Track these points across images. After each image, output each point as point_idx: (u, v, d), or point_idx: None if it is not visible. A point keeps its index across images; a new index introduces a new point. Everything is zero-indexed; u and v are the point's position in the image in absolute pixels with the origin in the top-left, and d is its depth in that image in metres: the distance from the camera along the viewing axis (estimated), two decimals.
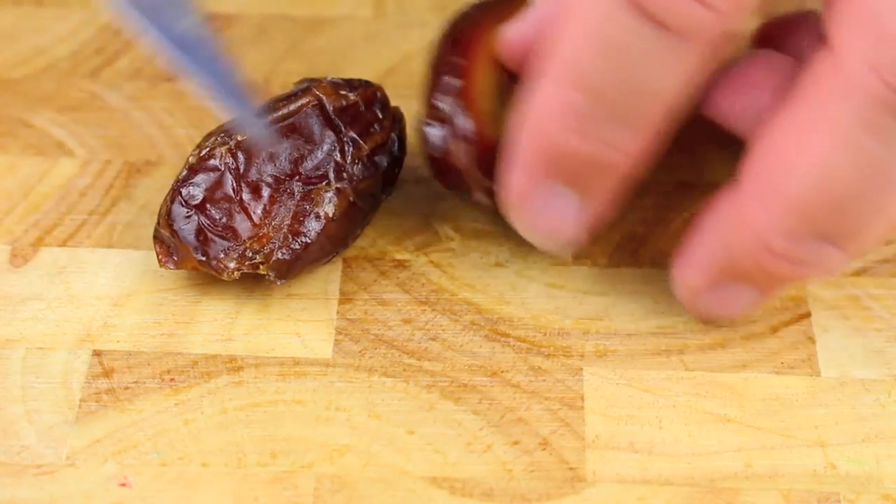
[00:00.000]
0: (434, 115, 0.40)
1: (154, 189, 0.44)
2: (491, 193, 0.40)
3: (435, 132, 0.40)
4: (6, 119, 0.46)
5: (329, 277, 0.42)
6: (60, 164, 0.44)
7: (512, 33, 0.41)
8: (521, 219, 0.39)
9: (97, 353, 0.40)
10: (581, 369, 0.40)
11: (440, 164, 0.40)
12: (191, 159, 0.41)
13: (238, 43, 0.49)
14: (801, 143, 0.35)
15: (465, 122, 0.40)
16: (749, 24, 0.41)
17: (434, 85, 0.41)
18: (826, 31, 0.36)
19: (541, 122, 0.36)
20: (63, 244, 0.42)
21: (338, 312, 0.41)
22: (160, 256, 0.40)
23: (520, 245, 0.43)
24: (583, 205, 0.38)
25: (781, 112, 0.36)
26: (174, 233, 0.40)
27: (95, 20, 0.49)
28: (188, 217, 0.40)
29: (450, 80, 0.40)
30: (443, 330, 0.40)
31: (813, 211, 0.36)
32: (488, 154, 0.39)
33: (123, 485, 0.37)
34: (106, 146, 0.45)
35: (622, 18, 0.34)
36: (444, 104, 0.40)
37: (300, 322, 0.41)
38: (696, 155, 0.45)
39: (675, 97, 0.36)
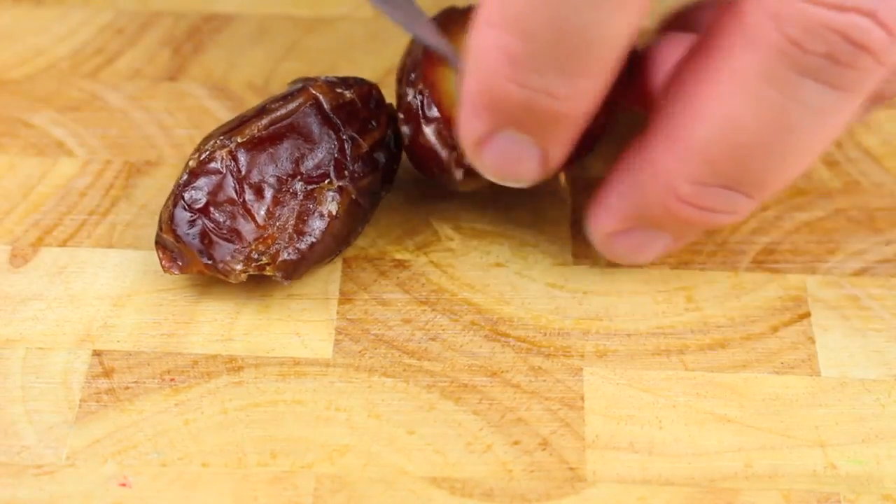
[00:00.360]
0: (403, 107, 0.41)
1: (154, 189, 0.44)
2: (470, 171, 0.40)
3: (405, 125, 0.41)
4: (6, 119, 0.46)
5: (329, 277, 0.42)
6: (60, 164, 0.44)
7: None
8: (483, 166, 0.38)
9: (97, 353, 0.40)
10: (581, 369, 0.40)
11: (415, 152, 0.41)
12: (191, 163, 0.40)
13: (238, 43, 0.49)
14: (705, 92, 0.36)
15: (429, 106, 0.40)
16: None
17: (401, 81, 0.41)
18: None
19: (479, 68, 0.35)
20: (63, 244, 0.42)
21: (338, 312, 0.41)
22: (164, 262, 0.40)
23: (520, 245, 0.43)
24: (540, 149, 0.37)
25: (688, 62, 0.37)
26: (178, 238, 0.40)
27: (95, 20, 0.49)
28: (192, 221, 0.40)
29: (413, 73, 0.41)
30: (443, 330, 0.40)
31: (717, 159, 0.36)
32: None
33: (123, 485, 0.37)
34: (106, 146, 0.45)
35: None
36: (410, 95, 0.40)
37: (300, 322, 0.41)
38: None
39: (615, 42, 0.35)
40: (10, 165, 0.44)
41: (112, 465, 0.37)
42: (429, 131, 0.40)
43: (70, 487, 0.37)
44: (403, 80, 0.41)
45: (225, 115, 0.45)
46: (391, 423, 0.38)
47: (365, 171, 0.41)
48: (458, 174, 0.40)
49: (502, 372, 0.39)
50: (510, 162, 0.38)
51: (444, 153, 0.40)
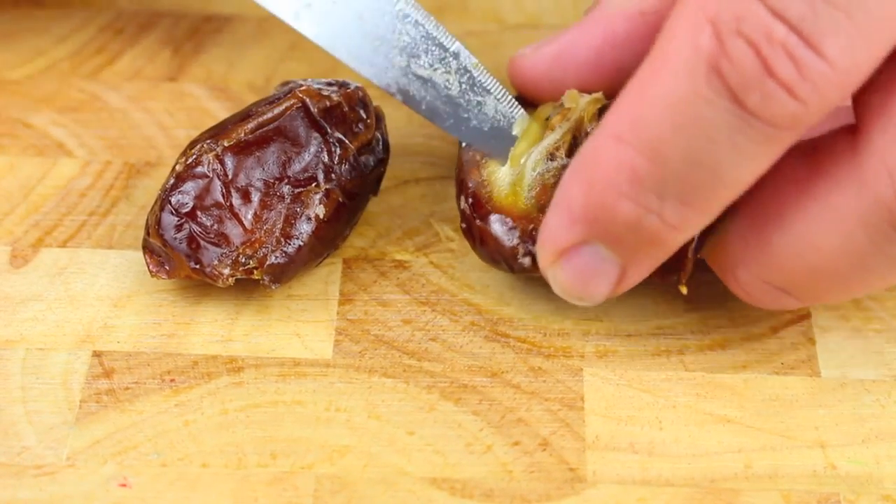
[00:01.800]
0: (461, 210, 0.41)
1: (154, 189, 0.44)
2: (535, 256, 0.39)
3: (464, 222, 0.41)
4: (6, 119, 0.46)
5: (329, 278, 0.42)
6: (60, 164, 0.44)
7: (527, 62, 0.41)
8: (555, 276, 0.37)
9: (97, 354, 0.40)
10: (581, 370, 0.40)
11: (477, 241, 0.40)
12: (177, 167, 0.40)
13: (238, 43, 0.49)
14: (801, 209, 0.36)
15: (478, 207, 0.40)
16: None
17: (459, 191, 0.41)
18: (856, 110, 0.35)
19: (595, 179, 0.35)
20: (63, 245, 0.42)
21: (338, 313, 0.41)
22: (151, 267, 0.40)
23: None
24: (622, 270, 0.36)
25: (789, 170, 0.36)
26: (165, 242, 0.40)
27: (95, 20, 0.49)
28: (179, 226, 0.40)
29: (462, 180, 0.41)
30: (443, 331, 0.40)
31: (788, 270, 0.36)
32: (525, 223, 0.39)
33: (123, 485, 0.37)
34: (106, 146, 0.45)
35: (708, 95, 0.33)
36: (462, 202, 0.40)
37: (300, 323, 0.41)
38: None
39: (743, 185, 0.34)
40: (10, 166, 0.44)
41: (112, 465, 0.37)
42: (488, 226, 0.40)
43: (70, 488, 0.37)
44: (458, 187, 0.41)
45: (225, 115, 0.45)
46: (391, 423, 0.38)
47: (352, 173, 0.41)
48: (526, 261, 0.39)
49: (502, 372, 0.39)
50: (586, 276, 0.36)
51: (508, 242, 0.39)
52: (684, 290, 0.39)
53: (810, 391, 0.39)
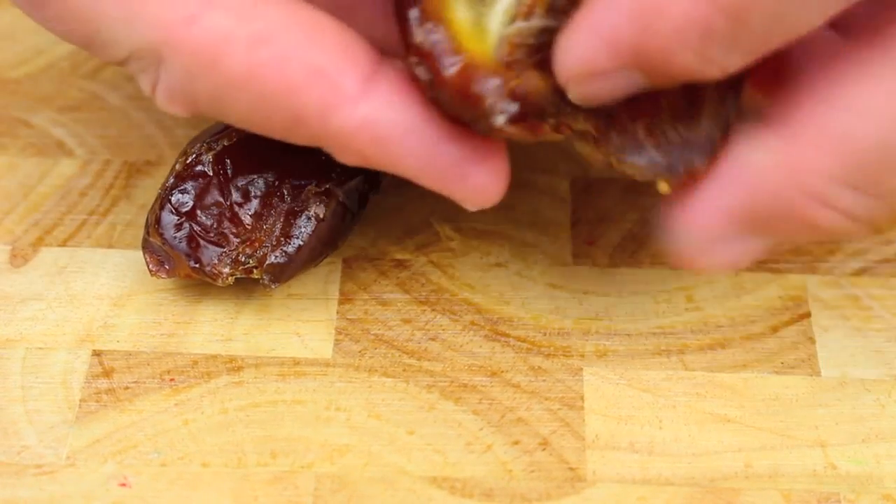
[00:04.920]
0: (412, 49, 0.35)
1: (154, 189, 0.44)
2: (515, 117, 0.35)
3: (420, 67, 0.35)
4: (6, 119, 0.46)
5: (329, 277, 0.42)
6: (60, 164, 0.44)
7: None
8: (579, 87, 0.34)
9: (97, 353, 0.40)
10: (581, 369, 0.40)
11: (442, 95, 0.35)
12: (177, 166, 0.40)
13: None
14: (868, 85, 0.33)
15: (447, 45, 0.35)
16: None
17: (400, 17, 0.36)
18: None
19: (656, 27, 0.32)
20: (63, 244, 0.42)
21: (338, 312, 0.41)
22: (151, 266, 0.40)
23: (520, 245, 0.43)
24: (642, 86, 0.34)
25: (842, 53, 0.34)
26: (165, 241, 0.40)
27: None
28: (179, 225, 0.40)
29: (414, 7, 0.35)
30: (443, 330, 0.40)
31: (867, 157, 0.33)
32: (480, 73, 0.35)
33: (123, 485, 0.37)
34: (106, 146, 0.45)
35: None
36: (418, 35, 0.35)
37: (300, 322, 0.41)
38: None
39: (806, 32, 0.33)
40: (10, 165, 0.44)
41: (112, 465, 0.37)
42: (454, 72, 0.35)
43: (70, 487, 0.37)
44: (402, 13, 0.36)
45: None
46: (391, 423, 0.38)
47: (352, 173, 0.41)
48: (500, 119, 0.35)
49: (502, 372, 0.39)
50: (611, 93, 0.34)
51: (484, 95, 0.35)
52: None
53: (810, 390, 0.39)
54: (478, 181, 0.36)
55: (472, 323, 0.41)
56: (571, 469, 0.37)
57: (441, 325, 0.41)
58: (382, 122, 0.35)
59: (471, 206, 0.36)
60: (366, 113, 0.34)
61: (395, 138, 0.35)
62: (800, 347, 0.40)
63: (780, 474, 0.37)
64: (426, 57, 0.35)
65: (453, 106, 0.35)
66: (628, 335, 0.40)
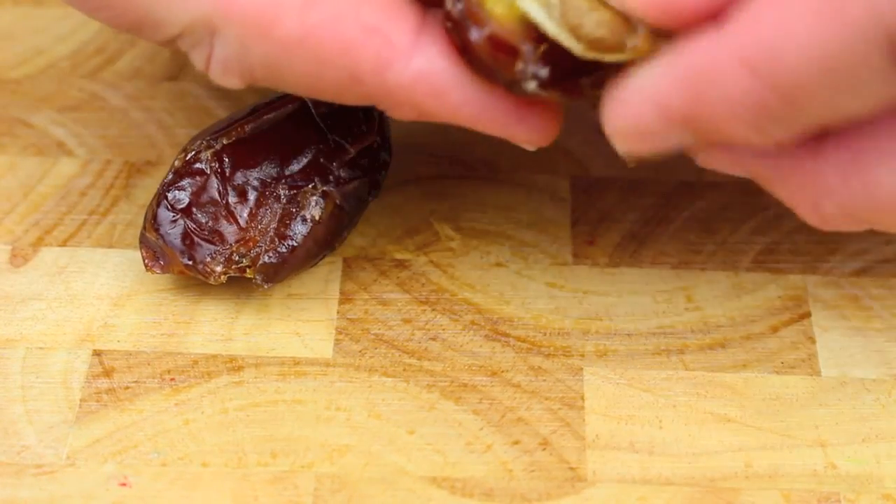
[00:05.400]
0: (449, 18, 0.36)
1: (154, 188, 0.44)
2: (546, 82, 0.35)
3: (455, 38, 0.36)
4: (6, 119, 0.46)
5: (329, 277, 0.42)
6: (60, 164, 0.44)
7: None
8: (622, 139, 0.35)
9: (97, 353, 0.40)
10: (581, 369, 0.40)
11: (473, 57, 0.36)
12: (176, 163, 0.41)
13: None
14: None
15: (475, 27, 0.35)
16: None
17: None
18: None
19: (708, 97, 0.32)
20: (63, 244, 0.42)
21: (338, 312, 0.41)
22: (146, 261, 0.40)
23: (520, 245, 0.43)
24: (692, 147, 0.35)
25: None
26: (160, 237, 0.40)
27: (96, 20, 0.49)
28: (174, 221, 0.40)
29: None
30: (443, 330, 0.40)
31: (884, 207, 0.34)
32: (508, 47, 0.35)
33: (123, 485, 0.37)
34: (106, 146, 0.45)
35: (879, 64, 0.31)
36: (450, 4, 0.35)
37: (300, 322, 0.41)
38: None
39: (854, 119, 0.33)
40: (10, 165, 0.44)
41: (112, 465, 0.37)
42: (481, 39, 0.35)
43: (70, 487, 0.37)
44: None
45: (225, 115, 0.45)
46: (391, 422, 0.38)
47: (351, 176, 0.41)
48: (531, 85, 0.35)
49: (502, 372, 0.39)
50: (654, 146, 0.34)
51: (513, 62, 0.35)
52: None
53: (810, 390, 0.39)
54: (536, 122, 0.36)
55: (473, 323, 0.41)
56: (571, 469, 0.37)
57: (441, 325, 0.41)
58: (437, 73, 0.36)
59: (530, 145, 0.37)
60: (420, 65, 0.35)
61: (451, 88, 0.36)
62: (800, 347, 0.40)
63: (780, 474, 0.37)
64: (457, 24, 0.35)
65: (486, 72, 0.35)
66: (628, 335, 0.40)
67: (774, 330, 0.41)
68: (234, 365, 0.39)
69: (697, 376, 0.39)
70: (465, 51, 0.36)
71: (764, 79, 0.32)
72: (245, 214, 0.40)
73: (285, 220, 0.40)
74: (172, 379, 0.39)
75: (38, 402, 0.38)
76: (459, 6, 0.35)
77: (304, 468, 0.37)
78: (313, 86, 0.36)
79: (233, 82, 0.37)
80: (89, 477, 0.37)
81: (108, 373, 0.39)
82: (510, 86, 0.36)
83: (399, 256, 0.42)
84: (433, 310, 0.41)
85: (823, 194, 0.35)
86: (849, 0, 0.31)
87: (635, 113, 0.34)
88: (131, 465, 0.37)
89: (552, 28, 0.34)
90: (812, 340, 0.40)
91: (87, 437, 0.38)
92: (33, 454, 0.37)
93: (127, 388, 0.39)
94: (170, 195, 0.40)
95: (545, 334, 0.40)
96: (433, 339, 0.40)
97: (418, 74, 0.35)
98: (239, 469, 0.37)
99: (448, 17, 0.35)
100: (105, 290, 0.41)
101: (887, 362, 0.40)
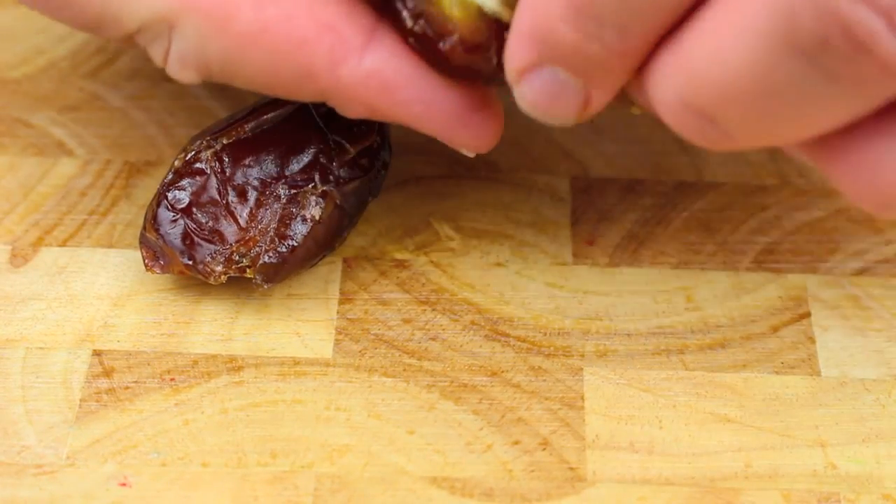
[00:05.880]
0: (411, 35, 0.36)
1: (154, 188, 0.44)
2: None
3: (422, 50, 0.37)
4: (6, 119, 0.46)
5: (329, 277, 0.42)
6: (60, 164, 0.44)
7: None
8: (521, 96, 0.36)
9: (97, 353, 0.40)
10: (581, 369, 0.40)
11: (448, 69, 0.37)
12: (176, 163, 0.41)
13: None
14: (708, 11, 0.33)
15: (439, 31, 0.36)
16: None
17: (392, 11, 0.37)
18: None
19: (536, 3, 0.34)
20: (63, 244, 0.42)
21: (338, 312, 0.41)
22: (146, 261, 0.40)
23: (520, 245, 0.43)
24: (583, 92, 0.35)
25: None
26: (160, 237, 0.40)
27: None
28: (174, 221, 0.40)
29: None
30: (443, 330, 0.40)
31: (696, 83, 0.33)
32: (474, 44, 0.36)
33: (123, 485, 0.37)
34: (106, 146, 0.45)
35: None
36: (409, 22, 0.36)
37: (300, 322, 0.41)
38: (696, 155, 0.45)
39: (669, 17, 0.33)
40: (10, 165, 0.44)
41: (112, 465, 0.37)
42: (450, 48, 0.36)
43: (70, 487, 0.37)
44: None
45: (225, 114, 0.45)
46: (391, 422, 0.38)
47: (351, 176, 0.41)
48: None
49: (502, 372, 0.39)
50: (549, 98, 0.35)
51: (487, 64, 0.36)
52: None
53: (810, 390, 0.39)
54: (478, 127, 0.38)
55: (473, 323, 0.41)
56: (571, 469, 0.37)
57: (441, 325, 0.41)
58: (388, 70, 0.37)
59: (470, 151, 0.39)
60: (372, 62, 0.37)
61: (401, 86, 0.37)
62: (800, 347, 0.40)
63: (780, 474, 0.37)
64: (422, 38, 0.36)
65: (466, 76, 0.37)
66: (628, 335, 0.40)
67: (774, 330, 0.41)
68: (234, 365, 0.39)
69: (697, 376, 0.39)
70: (438, 63, 0.36)
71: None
72: (245, 214, 0.40)
73: (285, 219, 0.40)
74: (172, 379, 0.39)
75: (38, 402, 0.38)
76: (421, 21, 0.36)
77: (304, 468, 0.37)
78: (268, 81, 0.37)
79: (190, 76, 0.38)
80: (89, 477, 0.37)
81: (108, 373, 0.39)
82: (493, 83, 0.37)
83: (399, 256, 0.42)
84: (433, 310, 0.41)
85: (650, 76, 0.34)
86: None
87: (511, 50, 0.35)
88: (131, 465, 0.37)
89: (507, 14, 0.35)
90: (812, 340, 0.40)
91: (87, 437, 0.38)
92: (33, 454, 0.37)
93: (127, 388, 0.39)
94: (170, 195, 0.40)
95: (545, 334, 0.40)
96: (433, 339, 0.40)
97: (370, 71, 0.37)
98: (239, 469, 0.37)
99: (410, 34, 0.36)
100: (105, 290, 0.41)
101: (887, 362, 0.40)
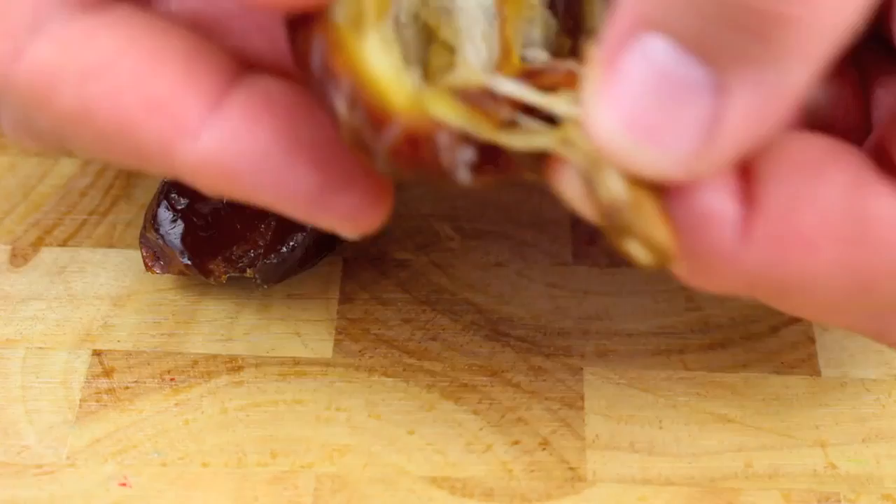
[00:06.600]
0: (342, 128, 0.30)
1: (154, 189, 0.44)
2: (480, 167, 0.30)
3: (358, 146, 0.30)
4: None
5: (329, 277, 0.42)
6: (60, 163, 0.44)
7: None
8: (603, 112, 0.25)
9: (97, 353, 0.40)
10: (581, 369, 0.40)
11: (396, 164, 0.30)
12: None
13: None
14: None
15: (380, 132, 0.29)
16: None
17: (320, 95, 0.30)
18: None
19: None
20: (63, 244, 0.42)
21: (338, 312, 0.41)
22: (146, 261, 0.40)
23: (520, 245, 0.43)
24: (720, 91, 0.24)
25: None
26: (160, 237, 0.40)
27: None
28: (174, 221, 0.40)
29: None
30: (443, 330, 0.40)
31: None
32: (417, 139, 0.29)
33: (123, 485, 0.37)
34: None
35: None
36: (342, 110, 0.29)
37: (300, 322, 0.41)
38: None
39: None
40: (10, 165, 0.44)
41: (112, 464, 0.37)
42: (391, 145, 0.29)
43: (70, 487, 0.37)
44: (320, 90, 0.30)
45: None
46: (391, 422, 0.38)
47: None
48: (463, 173, 0.30)
49: (502, 372, 0.39)
50: (657, 97, 0.24)
51: (436, 156, 0.29)
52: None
53: (810, 390, 0.39)
54: (342, 210, 0.31)
55: (473, 323, 0.41)
56: (571, 469, 0.37)
57: (441, 325, 0.41)
58: (228, 154, 0.31)
59: (344, 234, 0.32)
60: (209, 145, 0.31)
61: (242, 171, 0.31)
62: (800, 347, 0.40)
63: (780, 474, 0.37)
64: (360, 136, 0.30)
65: (416, 173, 0.30)
66: (628, 335, 0.40)
67: (774, 330, 0.41)
68: (234, 365, 0.39)
69: (697, 376, 0.40)
70: (379, 161, 0.30)
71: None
72: (245, 215, 0.40)
73: (285, 220, 0.40)
74: (172, 379, 0.39)
75: (38, 402, 0.38)
76: (358, 113, 0.29)
77: (304, 468, 0.37)
78: (107, 158, 0.33)
79: (28, 144, 0.34)
80: (89, 477, 0.37)
81: (108, 373, 0.39)
82: (445, 181, 0.30)
83: (399, 256, 0.42)
84: (433, 310, 0.41)
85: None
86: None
87: (605, 43, 0.26)
88: (131, 465, 0.37)
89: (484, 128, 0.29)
90: (812, 340, 0.40)
91: (87, 437, 0.38)
92: (33, 454, 0.37)
93: (127, 388, 0.39)
94: (170, 195, 0.40)
95: (545, 334, 0.40)
96: (433, 339, 0.40)
97: (206, 155, 0.31)
98: (239, 469, 0.37)
99: (346, 129, 0.29)
100: (105, 290, 0.41)
101: (887, 362, 0.40)
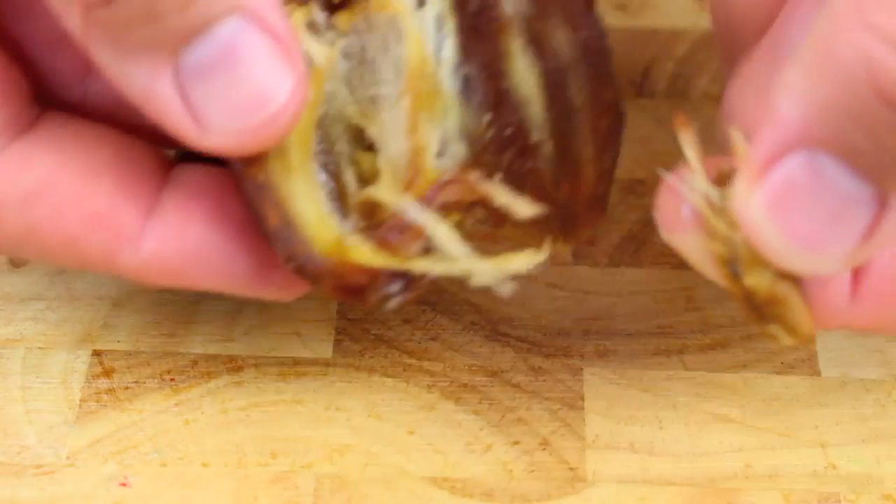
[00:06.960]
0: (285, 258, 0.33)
1: None
2: (411, 283, 0.33)
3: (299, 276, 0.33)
4: None
5: None
6: None
7: None
8: (762, 219, 0.27)
9: (97, 353, 0.40)
10: (581, 369, 0.40)
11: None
12: None
13: None
14: None
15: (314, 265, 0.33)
16: None
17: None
18: None
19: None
20: None
21: (338, 312, 0.41)
22: None
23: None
24: (879, 203, 0.26)
25: None
26: None
27: None
28: None
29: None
30: (443, 330, 0.40)
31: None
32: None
33: (123, 485, 0.37)
34: None
35: None
36: (280, 245, 0.33)
37: (300, 322, 0.41)
38: None
39: None
40: None
41: (112, 465, 0.37)
42: (324, 281, 0.33)
43: (70, 487, 0.37)
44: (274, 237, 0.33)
45: None
46: (391, 423, 0.38)
47: None
48: (394, 303, 0.33)
49: (502, 372, 0.39)
50: (807, 207, 0.26)
51: (364, 291, 0.33)
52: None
53: (811, 390, 0.39)
54: (280, 282, 0.35)
55: (473, 323, 0.41)
56: (571, 469, 0.37)
57: (441, 325, 0.41)
58: (167, 254, 0.34)
59: (282, 300, 0.36)
60: (150, 249, 0.34)
61: (185, 266, 0.34)
62: (800, 347, 0.40)
63: (780, 474, 0.37)
64: (301, 270, 0.33)
65: (346, 301, 0.33)
66: (628, 335, 0.40)
67: None
68: (234, 365, 0.39)
69: (697, 376, 0.39)
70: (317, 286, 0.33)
71: None
72: None
73: None
74: (172, 379, 0.39)
75: (38, 402, 0.38)
76: (292, 247, 0.32)
77: (304, 468, 0.37)
78: (61, 266, 0.35)
79: None
80: (89, 477, 0.37)
81: (108, 373, 0.39)
82: (376, 308, 0.33)
83: None
84: (433, 310, 0.41)
85: None
86: None
87: (756, 151, 0.27)
88: (131, 465, 0.37)
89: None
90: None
91: (87, 437, 0.38)
92: (33, 454, 0.37)
93: (127, 388, 0.39)
94: None
95: (545, 334, 0.40)
96: (433, 339, 0.40)
97: (148, 258, 0.34)
98: (239, 469, 0.37)
99: (289, 260, 0.33)
100: (105, 291, 0.41)
101: (887, 362, 0.40)
